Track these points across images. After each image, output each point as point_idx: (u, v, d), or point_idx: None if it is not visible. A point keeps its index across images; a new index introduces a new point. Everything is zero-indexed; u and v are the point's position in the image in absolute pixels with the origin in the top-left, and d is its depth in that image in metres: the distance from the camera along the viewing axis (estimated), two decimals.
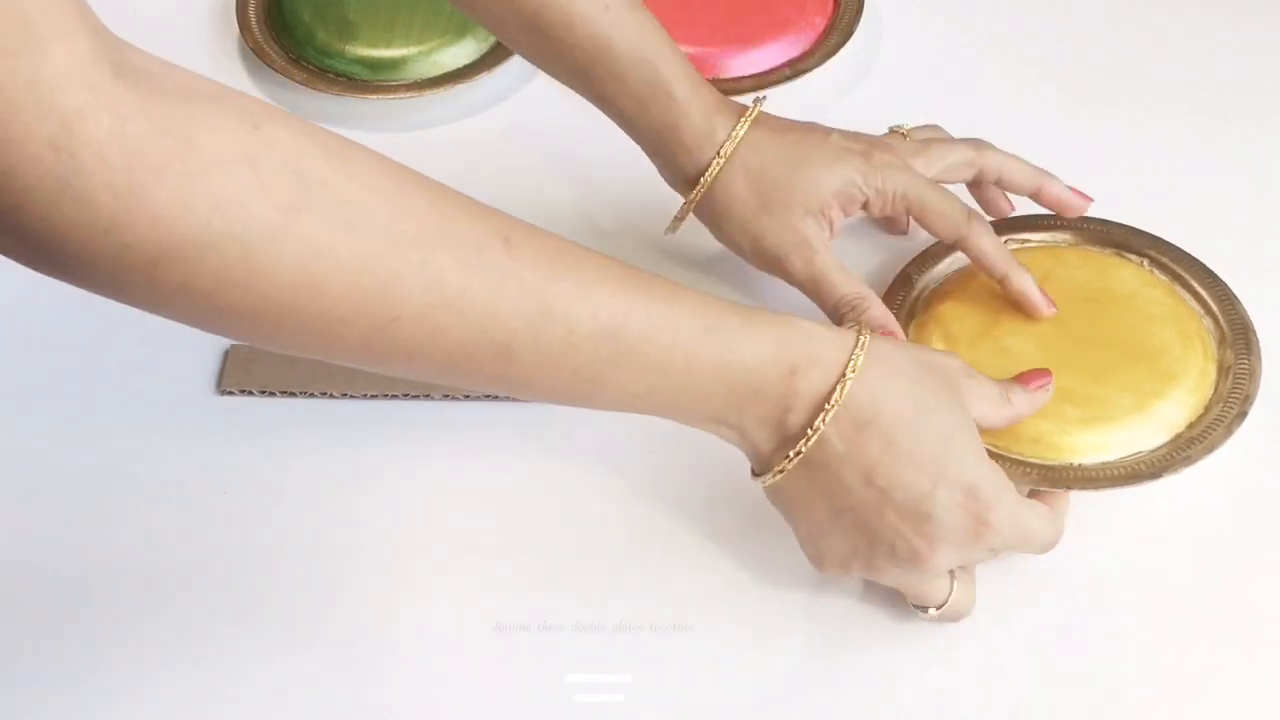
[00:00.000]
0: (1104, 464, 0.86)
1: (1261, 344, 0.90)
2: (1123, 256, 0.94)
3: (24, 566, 0.87)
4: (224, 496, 0.89)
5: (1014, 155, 0.95)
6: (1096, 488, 0.85)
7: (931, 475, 0.77)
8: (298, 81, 1.09)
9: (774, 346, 0.77)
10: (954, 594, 0.81)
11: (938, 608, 0.82)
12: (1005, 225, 0.96)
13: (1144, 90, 1.07)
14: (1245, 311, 0.91)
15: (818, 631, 0.84)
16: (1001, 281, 0.91)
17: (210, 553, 0.87)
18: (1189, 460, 0.85)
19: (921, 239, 0.96)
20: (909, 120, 0.97)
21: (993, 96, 1.07)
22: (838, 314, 0.91)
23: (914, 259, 0.95)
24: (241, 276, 0.64)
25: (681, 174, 0.92)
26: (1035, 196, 0.95)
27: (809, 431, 0.77)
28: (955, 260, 0.95)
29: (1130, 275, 0.93)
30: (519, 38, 0.91)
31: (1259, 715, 0.80)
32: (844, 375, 0.77)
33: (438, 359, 0.70)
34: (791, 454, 0.78)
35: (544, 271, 0.71)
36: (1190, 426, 0.87)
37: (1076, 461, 0.86)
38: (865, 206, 0.92)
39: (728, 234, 0.92)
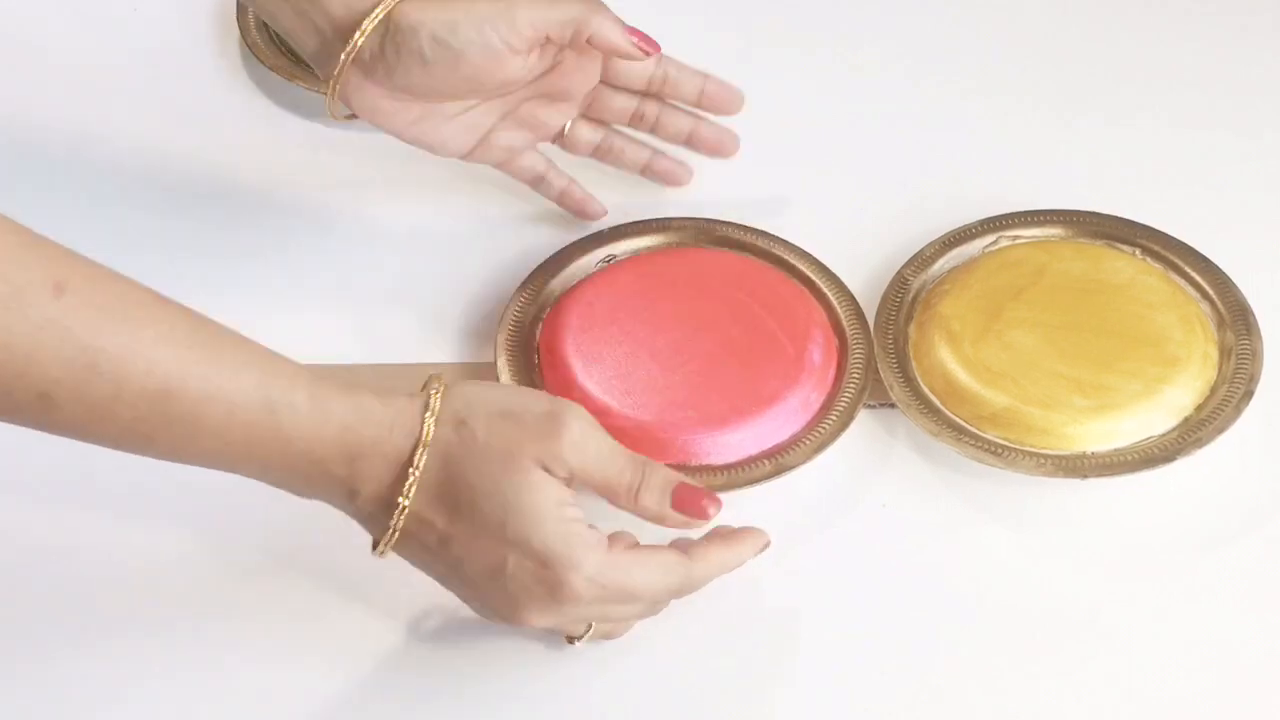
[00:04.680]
0: (1116, 450, 0.86)
1: (1260, 324, 0.90)
2: (1114, 247, 0.95)
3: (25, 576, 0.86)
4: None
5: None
6: (1111, 474, 0.85)
7: (500, 545, 0.76)
8: (298, 82, 1.07)
9: (338, 430, 0.75)
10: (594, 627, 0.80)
11: (573, 639, 0.81)
12: (996, 223, 0.96)
13: (1126, 84, 1.07)
14: (1241, 293, 0.92)
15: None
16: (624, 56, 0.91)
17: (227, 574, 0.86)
18: (1200, 442, 0.86)
19: (914, 240, 0.96)
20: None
21: (989, 96, 1.07)
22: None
23: (909, 261, 0.95)
24: None
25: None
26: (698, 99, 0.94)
27: (390, 527, 0.77)
28: (951, 259, 0.95)
29: (1125, 265, 0.94)
30: None
31: None
32: (411, 467, 0.76)
33: None
34: (382, 542, 0.77)
35: (95, 322, 0.70)
36: (1198, 409, 0.88)
37: (1089, 450, 0.86)
38: None
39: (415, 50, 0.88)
